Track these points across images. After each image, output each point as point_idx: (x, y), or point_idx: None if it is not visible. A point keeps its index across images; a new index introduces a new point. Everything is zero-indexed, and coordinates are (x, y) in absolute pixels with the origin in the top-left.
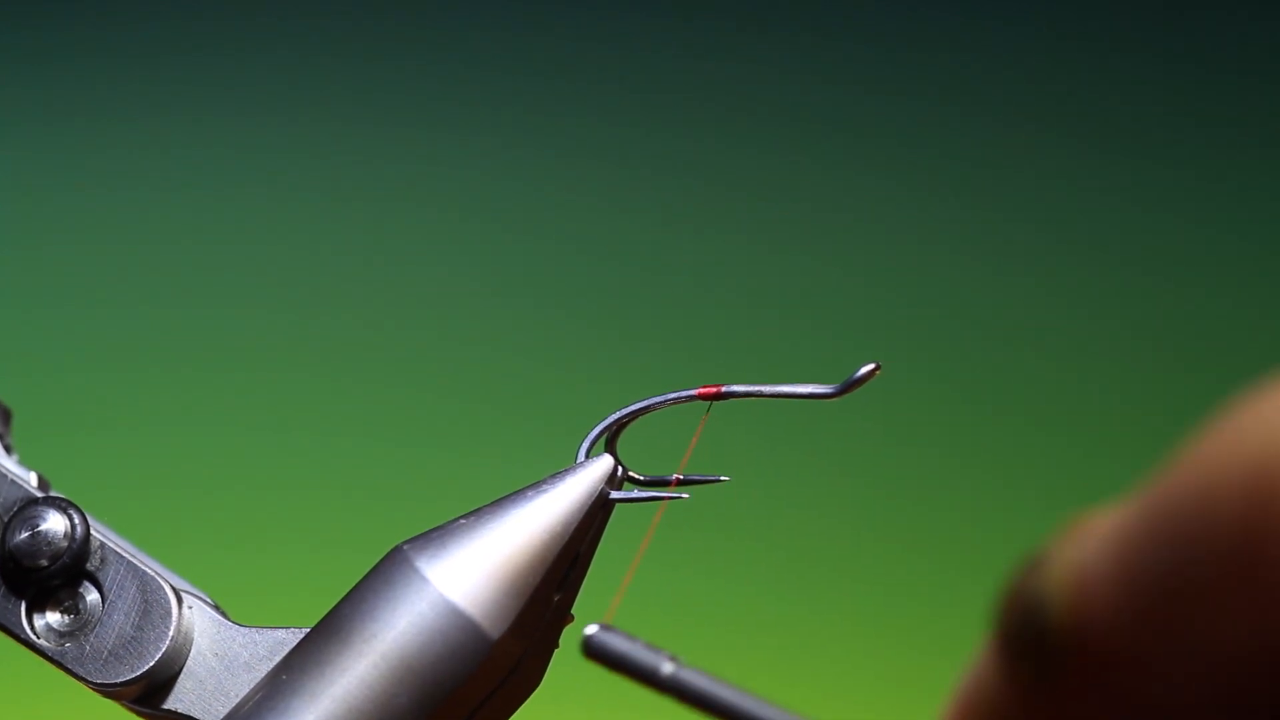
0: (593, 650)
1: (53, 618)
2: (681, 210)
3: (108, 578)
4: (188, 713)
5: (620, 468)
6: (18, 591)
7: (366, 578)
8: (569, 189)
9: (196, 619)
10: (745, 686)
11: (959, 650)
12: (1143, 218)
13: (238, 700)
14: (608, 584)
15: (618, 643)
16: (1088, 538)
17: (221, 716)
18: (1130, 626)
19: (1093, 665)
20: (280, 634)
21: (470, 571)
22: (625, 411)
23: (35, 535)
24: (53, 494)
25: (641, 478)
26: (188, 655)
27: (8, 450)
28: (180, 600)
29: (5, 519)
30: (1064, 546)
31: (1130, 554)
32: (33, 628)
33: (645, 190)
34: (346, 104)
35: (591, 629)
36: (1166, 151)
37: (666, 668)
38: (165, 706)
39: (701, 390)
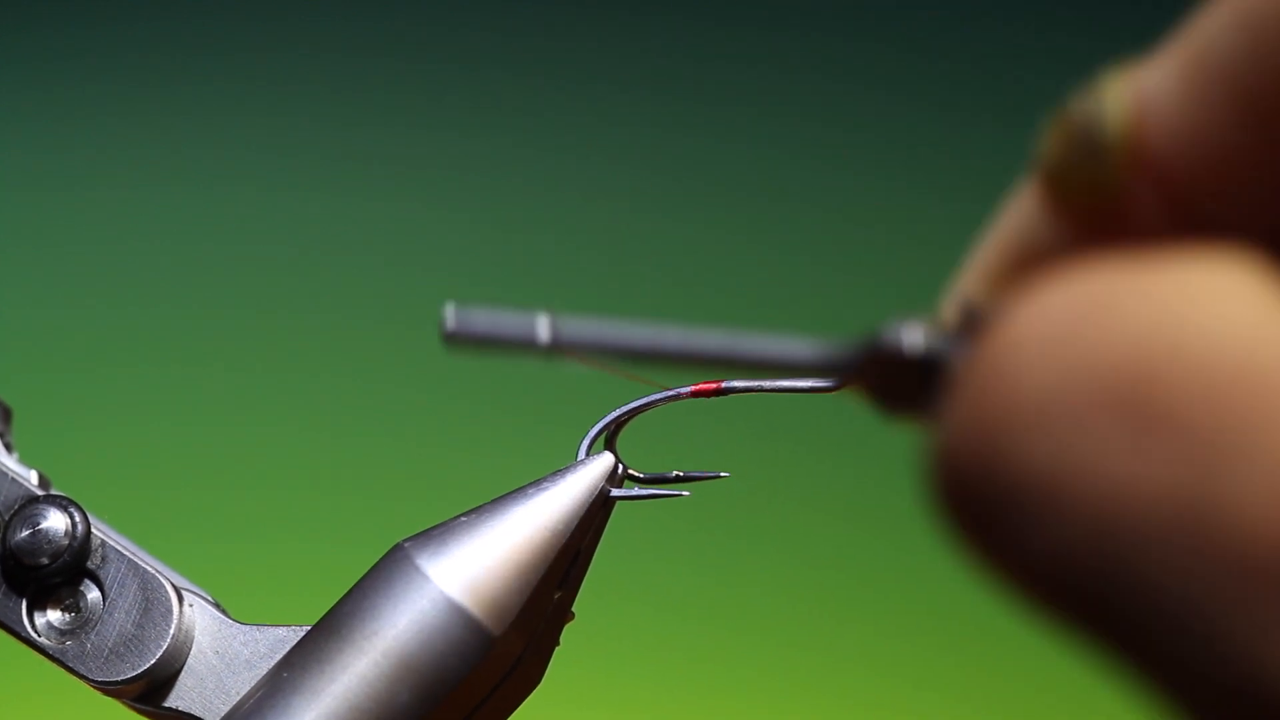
0: (456, 336)
1: (54, 616)
2: (683, 207)
3: (108, 576)
4: (189, 710)
5: (620, 465)
6: (18, 590)
7: (367, 575)
8: (570, 187)
9: (197, 617)
10: (627, 319)
11: (960, 645)
12: None
13: (239, 698)
14: (609, 581)
15: (481, 320)
16: (1145, 67)
17: (222, 714)
18: (1202, 141)
19: (1152, 184)
20: (281, 632)
21: (471, 569)
22: (625, 409)
23: (36, 533)
24: (53, 492)
25: (641, 475)
26: (188, 653)
27: (8, 448)
28: (181, 598)
29: (6, 517)
30: (1117, 77)
31: (1206, 69)
32: (34, 626)
33: (646, 187)
34: (347, 103)
35: (448, 313)
36: None
37: (543, 332)
38: (166, 704)
39: (702, 386)
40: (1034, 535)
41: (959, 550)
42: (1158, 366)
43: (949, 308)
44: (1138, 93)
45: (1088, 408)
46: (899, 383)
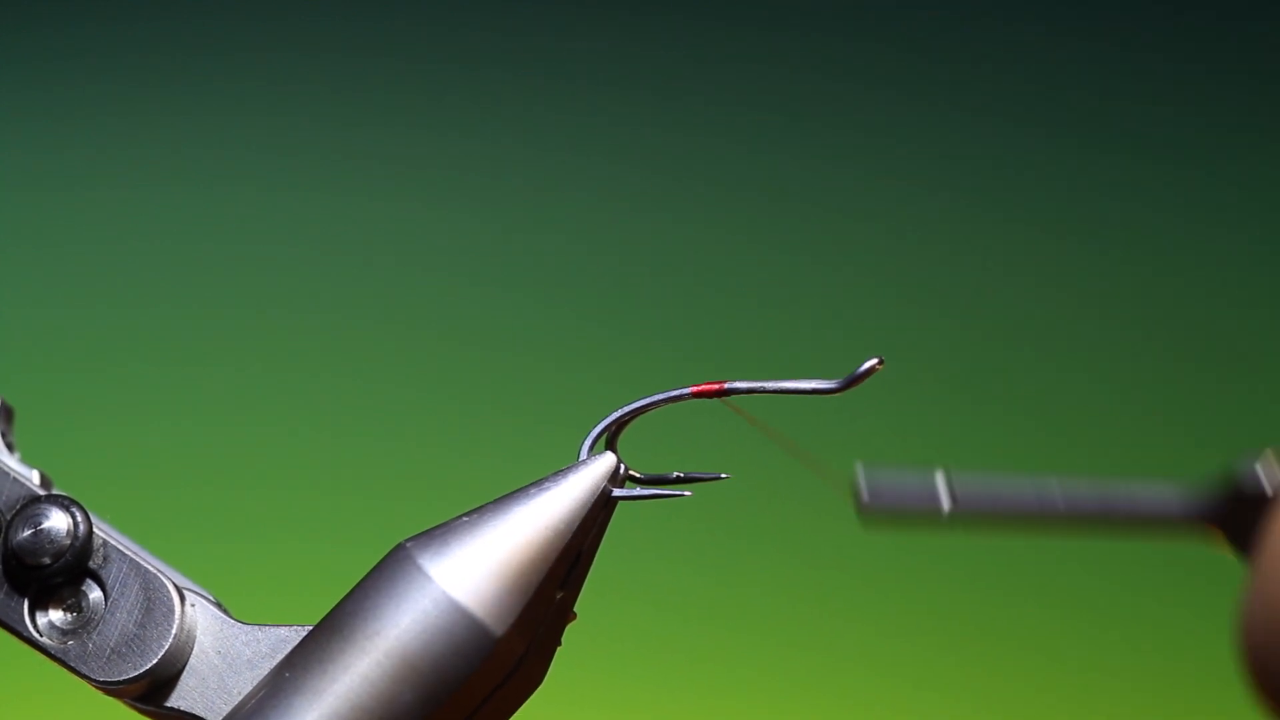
0: (870, 507)
1: (55, 616)
2: (684, 207)
3: (110, 575)
4: (190, 710)
5: (622, 465)
6: (20, 589)
7: (369, 575)
8: (570, 186)
9: (199, 617)
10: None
11: (960, 646)
12: (1143, 214)
13: (240, 698)
14: (610, 582)
15: (890, 490)
16: None
17: (224, 714)
18: None
19: None
20: (283, 631)
21: (473, 569)
22: (627, 409)
23: (38, 533)
24: (55, 492)
25: (643, 476)
26: (190, 653)
27: (10, 448)
28: (183, 598)
29: (8, 517)
30: None
31: None
32: (35, 626)
33: (647, 188)
34: (347, 103)
35: (862, 485)
36: (1167, 148)
37: (945, 500)
38: (168, 704)
39: (704, 387)
40: None
41: (1259, 701)
42: None
43: None
44: None
45: None
46: (1256, 522)
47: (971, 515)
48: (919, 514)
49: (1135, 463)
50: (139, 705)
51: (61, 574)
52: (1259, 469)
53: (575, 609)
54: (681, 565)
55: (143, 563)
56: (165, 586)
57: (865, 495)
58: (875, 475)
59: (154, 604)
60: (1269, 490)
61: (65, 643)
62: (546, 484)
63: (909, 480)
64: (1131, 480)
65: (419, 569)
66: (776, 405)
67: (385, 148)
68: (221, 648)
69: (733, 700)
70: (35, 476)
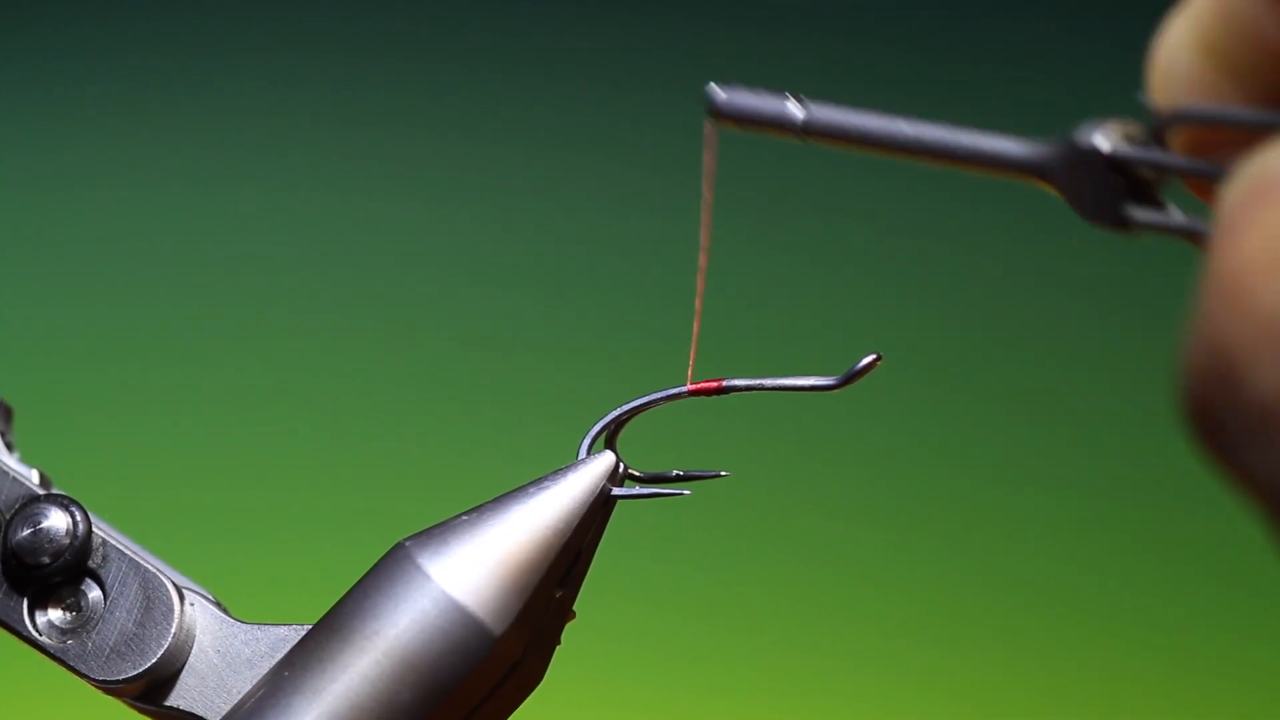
0: (721, 113)
1: (55, 615)
2: (683, 208)
3: (109, 575)
4: (190, 709)
5: (621, 464)
6: (20, 589)
7: (369, 574)
8: (570, 187)
9: (198, 616)
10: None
11: (960, 646)
12: None
13: (240, 697)
14: (609, 581)
15: (744, 99)
16: None
17: (223, 713)
18: None
19: None
20: (282, 631)
21: (472, 568)
22: (626, 408)
23: (37, 533)
24: (54, 491)
25: (642, 474)
26: (190, 652)
27: (9, 448)
28: (182, 597)
29: (7, 516)
30: None
31: None
32: (35, 625)
33: (646, 188)
34: (347, 103)
35: (715, 91)
36: None
37: (797, 113)
38: (167, 703)
39: (702, 385)
40: (1266, 456)
41: (1202, 458)
42: None
43: (1152, 84)
44: None
45: None
46: (1093, 185)
47: (821, 135)
48: (769, 125)
49: (1135, 463)
50: (138, 704)
51: (61, 573)
52: (1096, 129)
53: (574, 608)
54: (680, 564)
55: (142, 562)
56: (164, 586)
57: (721, 99)
58: (732, 88)
59: (153, 603)
60: (1103, 148)
61: (64, 642)
62: (545, 483)
63: (765, 97)
64: (981, 129)
65: (418, 568)
66: (775, 402)
67: (385, 148)
68: (221, 647)
69: (731, 700)
70: (35, 476)
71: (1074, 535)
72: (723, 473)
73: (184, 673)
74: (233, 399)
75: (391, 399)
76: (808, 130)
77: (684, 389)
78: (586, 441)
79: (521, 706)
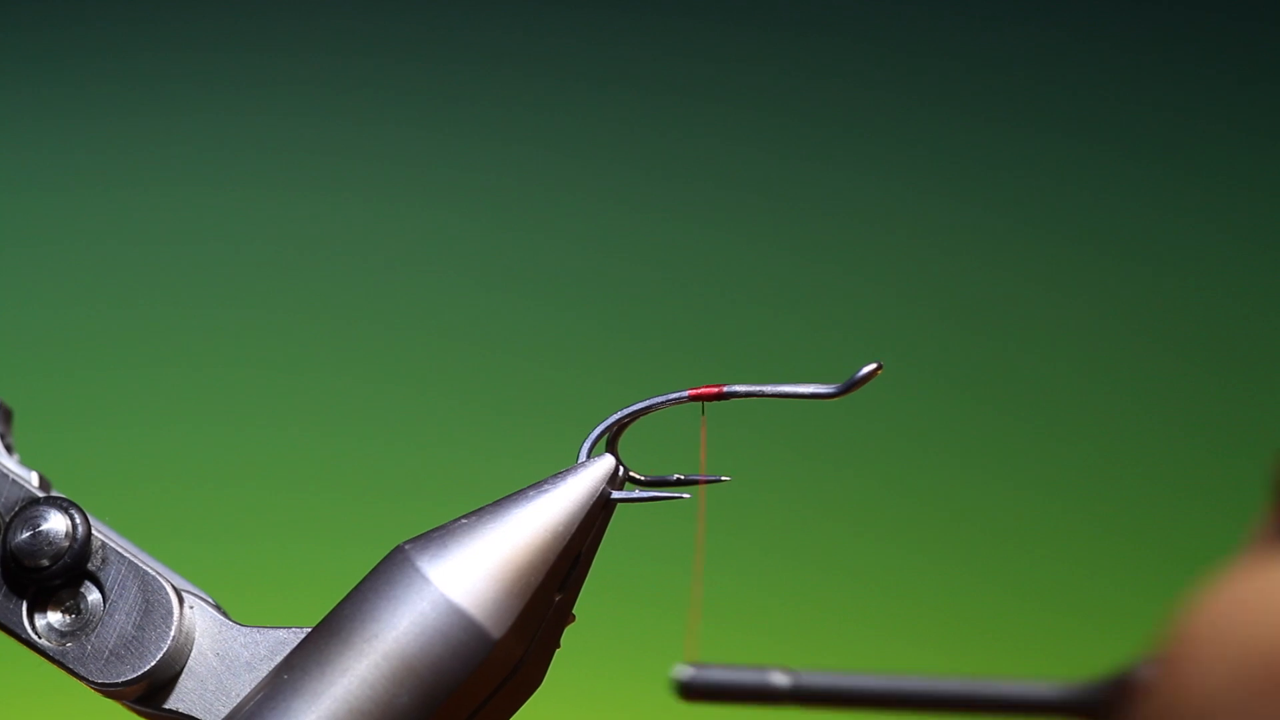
0: (694, 692)
1: (54, 618)
2: (683, 209)
3: (109, 577)
4: (189, 713)
5: (621, 467)
6: (19, 591)
7: (368, 577)
8: (570, 187)
9: (198, 619)
10: (858, 670)
11: (960, 646)
12: (1143, 213)
13: (239, 700)
14: (609, 584)
15: (717, 675)
16: None
17: (223, 716)
18: None
19: None
20: (281, 634)
21: (472, 571)
22: (626, 411)
23: (36, 535)
24: (54, 494)
25: (642, 478)
26: (189, 655)
27: (9, 450)
28: (181, 600)
29: (7, 519)
30: None
31: None
32: (34, 628)
33: (647, 188)
34: (347, 103)
35: (683, 672)
36: (1167, 148)
37: (779, 679)
38: (166, 706)
39: (703, 390)
40: None
41: None
42: None
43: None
44: None
45: (1251, 696)
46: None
47: (813, 700)
48: (749, 697)
49: (1134, 462)
50: (137, 707)
51: (60, 576)
52: (1141, 667)
53: (574, 611)
54: (680, 568)
55: (141, 565)
56: (164, 588)
57: (686, 676)
58: (701, 666)
59: (152, 606)
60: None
61: (64, 645)
62: (545, 486)
63: (741, 670)
64: (1002, 676)
65: (417, 571)
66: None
67: (385, 148)
68: (220, 650)
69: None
70: (34, 478)
71: (1078, 539)
72: (724, 477)
73: (183, 675)
74: (232, 401)
75: (391, 402)
76: (797, 698)
77: (684, 393)
78: (586, 445)
79: (521, 710)
